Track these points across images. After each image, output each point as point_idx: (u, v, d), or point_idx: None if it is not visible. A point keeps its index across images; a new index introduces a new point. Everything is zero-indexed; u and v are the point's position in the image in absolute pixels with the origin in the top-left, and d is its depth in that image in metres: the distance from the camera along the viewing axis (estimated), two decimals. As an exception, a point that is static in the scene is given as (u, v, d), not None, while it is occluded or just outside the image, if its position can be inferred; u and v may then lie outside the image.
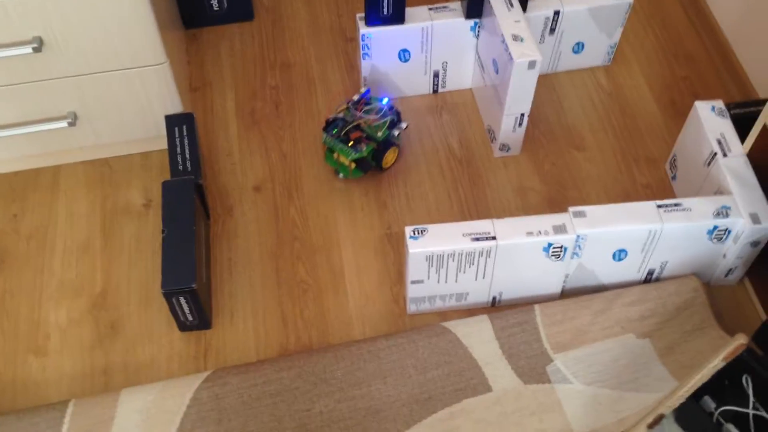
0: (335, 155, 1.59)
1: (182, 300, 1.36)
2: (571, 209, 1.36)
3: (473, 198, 1.62)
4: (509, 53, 1.47)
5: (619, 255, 1.39)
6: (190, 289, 1.34)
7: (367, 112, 1.59)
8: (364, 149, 1.56)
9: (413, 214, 1.60)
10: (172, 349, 1.42)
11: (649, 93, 1.77)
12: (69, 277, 1.51)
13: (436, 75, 1.75)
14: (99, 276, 1.51)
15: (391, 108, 1.61)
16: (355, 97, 1.62)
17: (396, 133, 1.61)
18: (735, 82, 1.76)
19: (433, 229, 1.34)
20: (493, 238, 1.33)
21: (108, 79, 1.49)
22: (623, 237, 1.34)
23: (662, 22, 1.89)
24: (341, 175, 1.62)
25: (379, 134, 1.58)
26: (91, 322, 1.45)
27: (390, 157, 1.63)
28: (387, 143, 1.60)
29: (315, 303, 1.48)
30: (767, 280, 1.45)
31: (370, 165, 1.60)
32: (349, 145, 1.56)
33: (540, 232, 1.33)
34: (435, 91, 1.79)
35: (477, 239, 1.33)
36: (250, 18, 1.93)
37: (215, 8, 1.89)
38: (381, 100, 1.61)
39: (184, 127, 1.58)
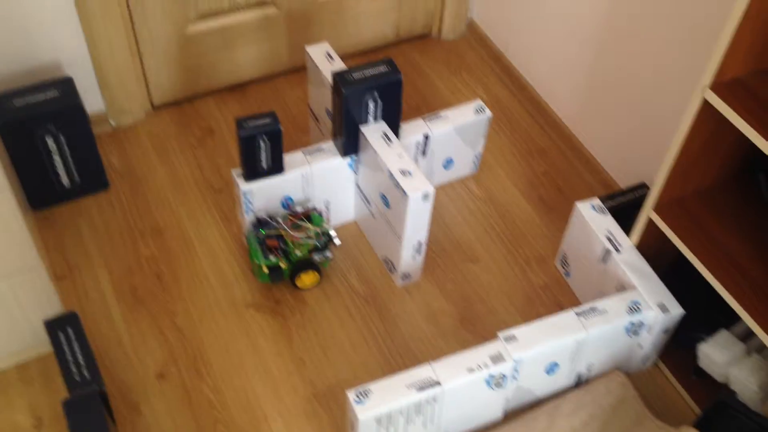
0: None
1: None
2: (501, 335, 1.37)
3: (388, 334, 1.59)
4: (402, 189, 1.49)
5: (552, 368, 1.42)
6: None
7: (296, 226, 1.56)
8: (273, 260, 1.53)
9: (333, 365, 1.54)
10: None
11: (518, 193, 1.86)
12: None
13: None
14: None
15: (324, 233, 1.58)
16: (298, 208, 1.59)
17: (317, 258, 1.57)
18: (588, 170, 1.90)
19: (374, 387, 1.30)
20: (437, 383, 1.30)
21: (-26, 299, 1.32)
22: (554, 351, 1.38)
23: (510, 126, 2.01)
24: (259, 278, 1.59)
25: (297, 253, 1.55)
26: None
27: (306, 279, 1.60)
28: (303, 264, 1.57)
29: (257, 490, 1.37)
30: (678, 360, 1.55)
31: (283, 278, 1.57)
32: (263, 250, 1.54)
33: (480, 366, 1.33)
34: (320, 230, 1.76)
35: (422, 388, 1.30)
36: (105, 187, 1.80)
37: (65, 184, 1.74)
38: (318, 221, 1.59)
39: (69, 330, 1.42)
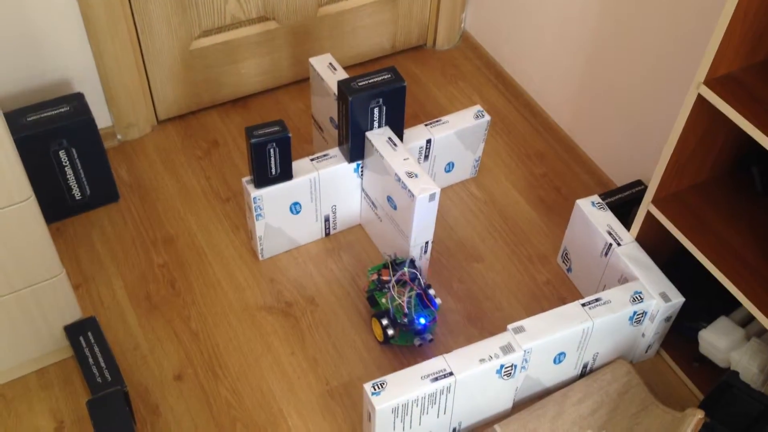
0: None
1: None
2: (510, 327, 1.42)
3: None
4: (409, 190, 1.54)
5: (559, 358, 1.47)
6: None
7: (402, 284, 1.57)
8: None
9: (346, 363, 1.58)
10: None
11: (518, 194, 1.92)
12: None
13: (327, 219, 1.77)
14: None
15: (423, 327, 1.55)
16: (404, 300, 1.55)
17: (416, 341, 1.56)
18: (585, 170, 1.96)
19: (390, 379, 1.34)
20: (450, 374, 1.35)
21: (-2, 306, 1.35)
22: (563, 341, 1.43)
23: (507, 130, 2.07)
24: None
25: (384, 301, 1.55)
26: None
27: (377, 329, 1.59)
28: (383, 314, 1.56)
29: (278, 485, 1.40)
30: (679, 347, 1.60)
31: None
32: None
33: (491, 357, 1.37)
34: (327, 234, 1.81)
35: (436, 379, 1.34)
36: (116, 199, 1.84)
37: (77, 197, 1.78)
38: (419, 319, 1.55)
39: (89, 334, 1.46)
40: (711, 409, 1.34)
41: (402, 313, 1.53)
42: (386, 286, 1.57)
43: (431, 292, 1.55)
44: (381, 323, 1.55)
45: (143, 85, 1.93)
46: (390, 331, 1.54)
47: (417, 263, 1.63)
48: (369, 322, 1.64)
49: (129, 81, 1.89)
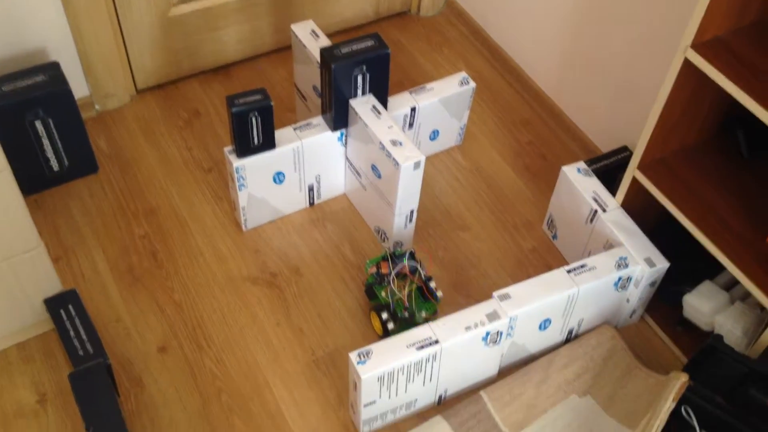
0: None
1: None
2: (496, 294, 1.41)
3: (383, 301, 1.63)
4: (394, 159, 1.52)
5: (545, 324, 1.47)
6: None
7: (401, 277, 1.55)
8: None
9: (332, 333, 1.57)
10: None
11: (503, 162, 1.91)
12: None
13: (311, 189, 1.75)
14: (10, 499, 1.32)
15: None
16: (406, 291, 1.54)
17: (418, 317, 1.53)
18: (571, 137, 1.95)
19: (375, 348, 1.33)
20: (436, 342, 1.34)
21: (-25, 278, 1.33)
22: (548, 307, 1.42)
23: (492, 97, 2.05)
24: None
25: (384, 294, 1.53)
26: None
27: (376, 323, 1.55)
28: (382, 307, 1.52)
29: (264, 455, 1.40)
30: (663, 312, 1.60)
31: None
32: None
33: (477, 324, 1.37)
34: (311, 204, 1.79)
35: (422, 347, 1.33)
36: (95, 171, 1.81)
37: (55, 169, 1.75)
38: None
39: (70, 306, 1.44)
40: (695, 372, 1.35)
41: (403, 306, 1.51)
42: (386, 279, 1.54)
43: (432, 284, 1.53)
44: (381, 317, 1.50)
45: (121, 53, 1.89)
46: (390, 325, 1.50)
47: (405, 238, 1.59)
48: (354, 291, 1.63)
49: (106, 49, 1.84)
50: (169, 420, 1.43)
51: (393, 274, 1.54)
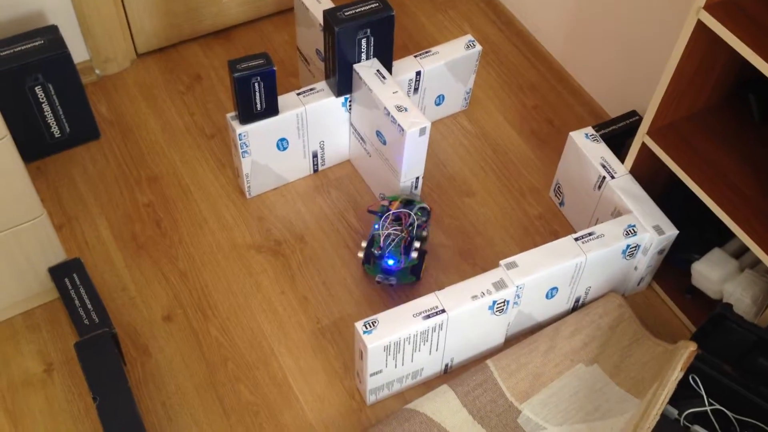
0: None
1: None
2: (502, 263, 1.40)
3: (389, 269, 1.61)
4: (399, 125, 1.49)
5: (552, 293, 1.46)
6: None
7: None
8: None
9: (337, 301, 1.56)
10: None
11: (510, 127, 1.88)
12: (-17, 479, 1.31)
13: (315, 155, 1.73)
14: (19, 467, 1.33)
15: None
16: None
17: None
18: (578, 102, 1.92)
19: (382, 317, 1.33)
20: (443, 311, 1.33)
21: (-22, 248, 1.32)
22: (555, 276, 1.41)
23: (499, 61, 2.01)
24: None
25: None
26: None
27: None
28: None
29: (270, 423, 1.40)
30: (671, 280, 1.59)
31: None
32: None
33: (483, 293, 1.36)
34: (315, 171, 1.77)
35: (428, 316, 1.33)
36: (97, 137, 1.79)
37: (56, 135, 1.73)
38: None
39: (75, 275, 1.43)
40: (703, 341, 1.34)
41: (378, 244, 1.51)
42: (387, 214, 1.54)
43: (415, 244, 1.51)
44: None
45: (120, 15, 1.85)
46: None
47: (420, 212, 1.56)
48: (359, 259, 1.62)
49: (105, 12, 1.81)
50: (175, 388, 1.43)
51: (392, 213, 1.53)
